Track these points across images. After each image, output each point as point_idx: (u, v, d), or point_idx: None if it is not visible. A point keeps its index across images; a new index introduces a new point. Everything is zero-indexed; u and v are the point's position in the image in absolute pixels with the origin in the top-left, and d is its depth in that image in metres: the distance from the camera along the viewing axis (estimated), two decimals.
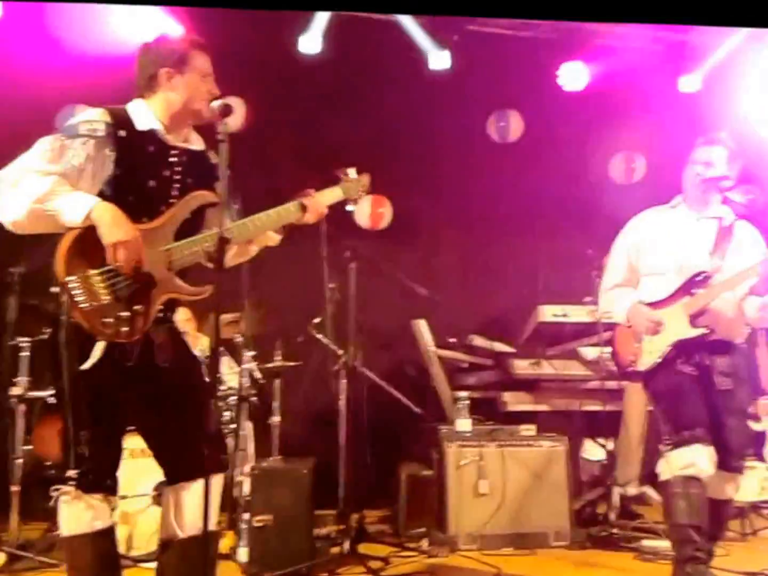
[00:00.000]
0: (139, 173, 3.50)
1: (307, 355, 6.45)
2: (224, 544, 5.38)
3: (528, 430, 6.45)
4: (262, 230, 3.77)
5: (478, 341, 7.54)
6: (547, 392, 7.18)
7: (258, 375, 6.03)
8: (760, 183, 7.95)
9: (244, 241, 3.76)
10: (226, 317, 5.97)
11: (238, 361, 5.98)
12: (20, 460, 5.66)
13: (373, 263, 6.46)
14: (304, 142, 7.70)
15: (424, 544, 6.00)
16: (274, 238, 3.94)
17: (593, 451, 7.36)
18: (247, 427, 5.88)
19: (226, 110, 3.48)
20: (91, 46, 6.78)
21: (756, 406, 6.61)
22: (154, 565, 4.56)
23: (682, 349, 4.64)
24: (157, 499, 5.31)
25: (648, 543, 5.91)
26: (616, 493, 6.55)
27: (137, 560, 5.20)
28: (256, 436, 6.13)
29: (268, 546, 5.18)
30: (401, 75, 7.93)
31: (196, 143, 3.74)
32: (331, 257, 5.99)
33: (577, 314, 7.07)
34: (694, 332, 4.63)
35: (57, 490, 3.41)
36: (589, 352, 7.09)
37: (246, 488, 5.41)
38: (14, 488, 5.63)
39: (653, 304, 4.77)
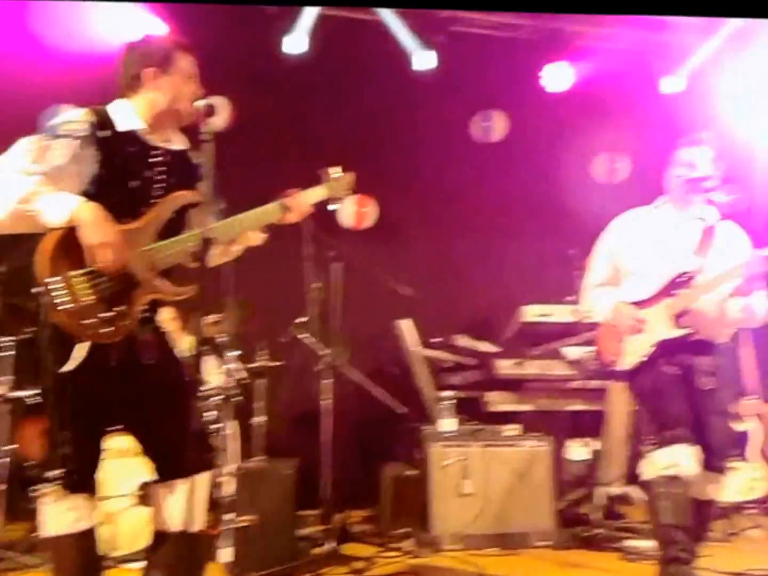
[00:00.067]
0: (121, 174, 3.49)
1: (291, 355, 6.44)
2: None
3: (511, 430, 6.46)
4: (244, 230, 3.77)
5: (462, 341, 7.54)
6: (531, 392, 7.18)
7: (242, 375, 6.01)
8: (744, 183, 7.99)
9: (227, 241, 3.75)
10: (210, 317, 5.96)
11: (223, 361, 5.97)
12: (5, 459, 5.63)
13: (357, 263, 6.46)
14: (289, 142, 7.69)
15: (408, 544, 6.00)
16: (257, 238, 3.94)
17: (577, 451, 7.37)
18: (232, 427, 5.86)
19: (210, 110, 3.48)
20: (74, 45, 6.75)
21: (741, 405, 6.64)
22: (136, 565, 4.55)
23: (665, 349, 4.65)
24: (140, 499, 5.30)
25: (631, 543, 5.92)
26: (600, 493, 6.57)
27: (119, 561, 5.18)
28: (240, 436, 6.12)
29: (252, 546, 5.16)
30: (386, 75, 7.93)
31: (179, 143, 3.74)
32: (315, 257, 5.99)
33: (560, 314, 7.09)
34: (676, 332, 4.64)
35: (37, 490, 3.40)
36: (572, 352, 7.10)
37: (230, 488, 5.39)
38: (0, 487, 5.60)
39: (636, 304, 4.79)
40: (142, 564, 3.76)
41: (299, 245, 5.77)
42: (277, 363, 6.20)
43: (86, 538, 3.46)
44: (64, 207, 3.27)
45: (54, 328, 3.28)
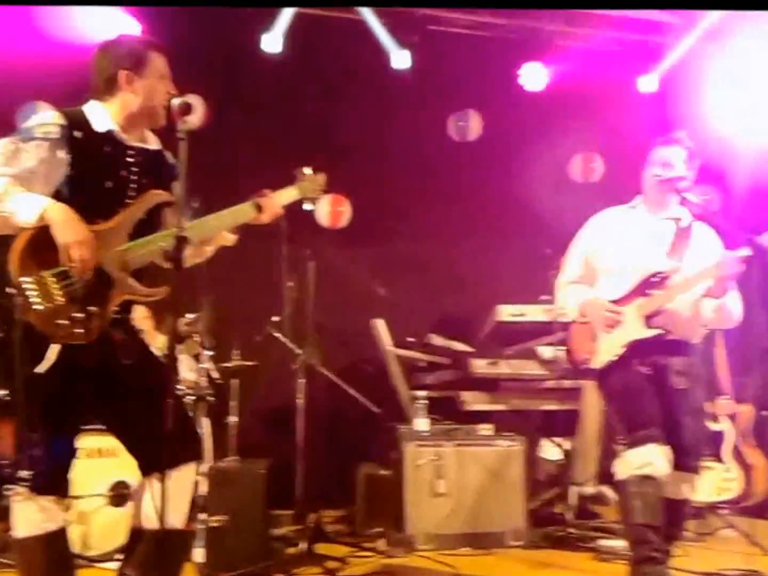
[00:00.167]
0: (95, 174, 3.49)
1: (265, 354, 6.41)
2: None
3: (486, 429, 6.47)
4: (217, 230, 3.78)
5: (437, 340, 7.54)
6: (505, 391, 7.18)
7: (215, 375, 6.00)
8: (720, 183, 8.03)
9: (199, 241, 3.74)
10: (184, 317, 5.95)
11: (196, 360, 5.96)
12: None
13: (332, 262, 6.45)
14: (264, 141, 7.67)
15: (381, 544, 6.00)
16: (229, 238, 3.94)
17: (550, 450, 7.39)
18: (205, 427, 5.85)
19: (187, 108, 3.46)
20: (46, 44, 6.71)
21: (714, 405, 6.67)
22: (109, 565, 4.53)
23: (637, 349, 4.66)
24: (113, 499, 5.29)
25: (605, 543, 5.92)
26: (573, 492, 6.58)
27: (92, 560, 5.17)
28: (213, 435, 6.10)
29: (224, 546, 5.15)
30: (362, 74, 7.93)
31: (153, 143, 3.74)
32: (291, 256, 5.98)
33: (534, 313, 7.09)
34: (648, 333, 4.65)
35: (10, 489, 3.39)
36: (546, 352, 7.11)
37: (202, 488, 5.37)
38: None
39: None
40: (116, 564, 3.75)
41: (275, 244, 5.75)
42: (251, 363, 6.18)
43: (55, 539, 3.46)
44: (34, 207, 3.26)
45: (26, 328, 3.26)
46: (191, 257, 3.86)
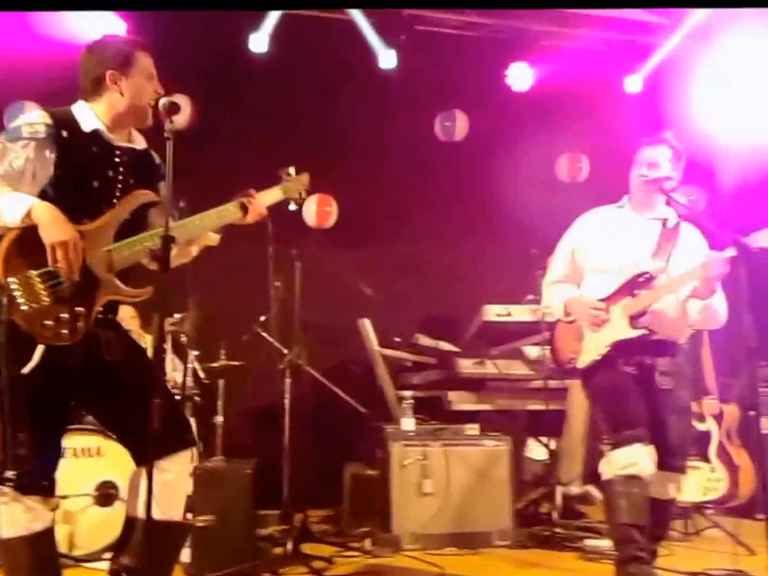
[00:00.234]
0: (82, 174, 3.49)
1: (252, 354, 6.41)
2: None
3: (472, 429, 6.47)
4: (201, 231, 3.77)
5: (424, 340, 7.55)
6: (492, 391, 7.19)
7: (202, 375, 5.99)
8: (706, 183, 8.05)
9: (185, 241, 3.74)
10: (171, 317, 5.94)
11: (183, 360, 5.95)
12: None
13: (318, 262, 6.45)
14: (250, 141, 7.67)
15: (368, 543, 6.00)
16: (213, 239, 3.94)
17: (536, 450, 7.40)
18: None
19: (174, 108, 3.46)
20: (32, 45, 6.70)
21: (700, 405, 6.68)
22: (96, 564, 4.52)
23: (622, 349, 4.66)
24: (99, 499, 5.28)
25: (591, 542, 5.93)
26: (559, 492, 6.59)
27: (79, 560, 5.16)
28: (200, 435, 6.08)
29: (211, 546, 5.14)
30: (349, 74, 7.92)
31: (140, 143, 3.74)
32: (277, 256, 5.97)
33: (520, 313, 7.09)
34: (633, 333, 4.65)
35: None
36: (533, 351, 7.12)
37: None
38: None
39: None
40: (102, 564, 3.74)
41: (261, 244, 5.74)
42: (238, 362, 6.18)
43: (42, 539, 3.44)
44: (20, 207, 3.25)
45: (12, 328, 3.25)
46: (176, 257, 3.84)
